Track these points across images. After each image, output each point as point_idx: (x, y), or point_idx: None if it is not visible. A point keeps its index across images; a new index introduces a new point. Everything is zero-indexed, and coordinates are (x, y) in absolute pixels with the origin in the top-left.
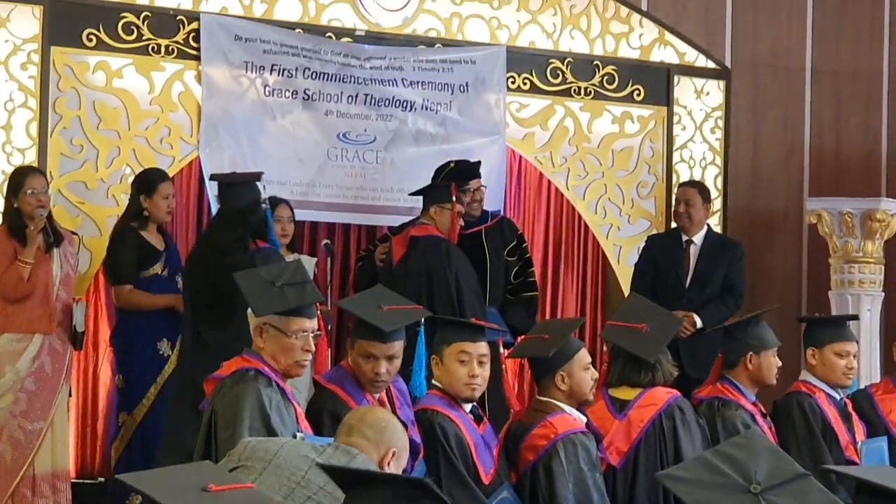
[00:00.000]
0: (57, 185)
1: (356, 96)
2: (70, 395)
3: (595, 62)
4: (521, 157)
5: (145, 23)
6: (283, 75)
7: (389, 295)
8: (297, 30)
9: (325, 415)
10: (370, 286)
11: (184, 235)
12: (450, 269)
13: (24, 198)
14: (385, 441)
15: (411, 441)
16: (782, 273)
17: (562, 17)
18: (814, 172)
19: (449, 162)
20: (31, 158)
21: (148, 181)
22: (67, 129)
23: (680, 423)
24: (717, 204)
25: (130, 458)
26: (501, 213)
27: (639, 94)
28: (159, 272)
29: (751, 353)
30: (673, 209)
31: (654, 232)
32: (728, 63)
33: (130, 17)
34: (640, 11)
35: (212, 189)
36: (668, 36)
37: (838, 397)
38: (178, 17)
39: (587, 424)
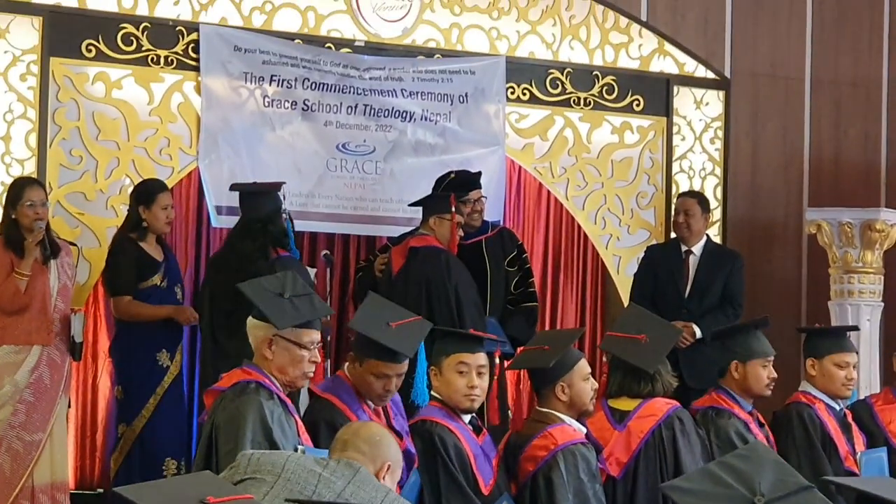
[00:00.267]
0: (56, 196)
1: (355, 107)
2: (69, 407)
3: (594, 72)
4: (520, 167)
5: (145, 34)
6: (282, 86)
7: (389, 307)
8: (297, 40)
9: (321, 424)
10: None
11: (183, 246)
12: (449, 280)
13: (22, 210)
14: (381, 455)
15: (405, 451)
16: (782, 283)
17: (561, 28)
18: (813, 182)
19: (449, 172)
20: (30, 169)
21: (147, 192)
22: (67, 139)
23: (679, 433)
24: (716, 214)
25: (129, 469)
26: (501, 223)
27: (638, 105)
28: (158, 283)
29: (736, 361)
30: (672, 219)
31: (654, 242)
32: (727, 73)
33: (130, 28)
34: (639, 22)
35: (211, 200)
36: (668, 46)
37: (838, 408)
38: (178, 28)
39: (587, 435)
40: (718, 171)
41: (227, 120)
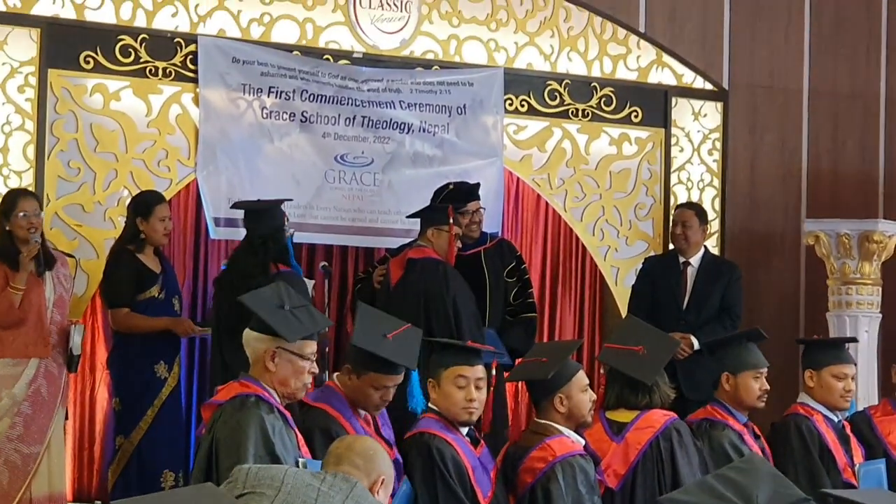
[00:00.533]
0: (54, 208)
1: (354, 118)
2: (67, 419)
3: (593, 84)
4: (518, 178)
5: (143, 45)
6: (280, 98)
7: (382, 318)
8: (295, 52)
9: (316, 431)
10: None
11: (181, 258)
12: (447, 292)
13: (15, 221)
14: (375, 469)
15: (394, 461)
16: (780, 294)
17: (559, 39)
18: (811, 194)
19: (448, 184)
20: (28, 181)
21: (144, 204)
22: (65, 151)
23: (677, 445)
24: (714, 225)
25: (127, 481)
26: (500, 234)
27: (636, 116)
28: (156, 295)
29: (727, 373)
30: (670, 231)
31: (652, 253)
32: (725, 85)
33: (128, 40)
34: (637, 33)
35: (209, 212)
36: (666, 58)
37: (836, 419)
38: (176, 40)
39: (585, 447)
40: (716, 182)
41: (225, 131)
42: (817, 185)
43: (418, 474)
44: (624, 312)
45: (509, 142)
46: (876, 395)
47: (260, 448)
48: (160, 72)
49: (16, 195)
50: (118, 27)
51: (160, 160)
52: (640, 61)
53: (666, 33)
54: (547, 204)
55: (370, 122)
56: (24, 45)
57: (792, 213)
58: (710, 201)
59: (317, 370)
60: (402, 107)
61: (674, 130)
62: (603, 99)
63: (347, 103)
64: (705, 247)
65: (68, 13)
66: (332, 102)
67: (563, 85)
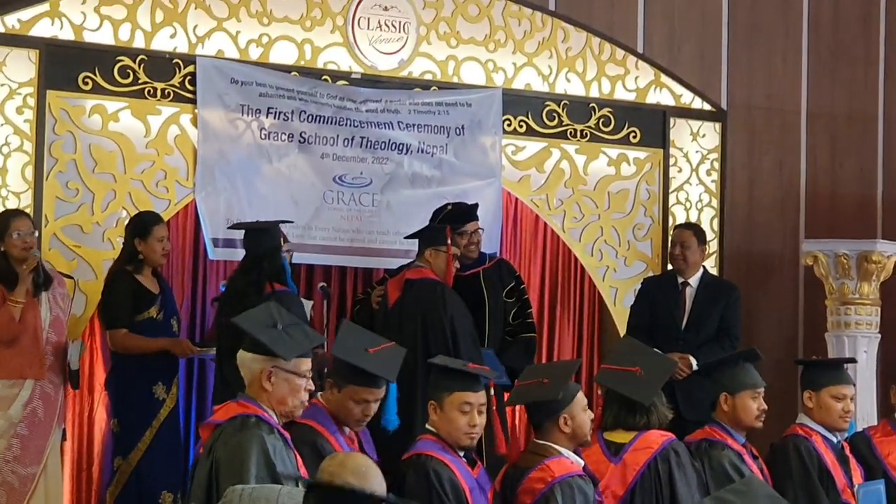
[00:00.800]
0: (52, 229)
1: (352, 139)
2: (65, 439)
3: (591, 104)
4: (517, 199)
5: (141, 66)
6: (279, 118)
7: (366, 334)
8: (293, 73)
9: (304, 447)
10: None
11: (179, 279)
12: (445, 313)
13: (10, 241)
14: (368, 486)
15: None
16: (778, 315)
17: (557, 60)
18: (809, 214)
19: (446, 204)
20: (26, 202)
21: (142, 224)
22: (63, 172)
23: (675, 466)
24: (713, 246)
25: (126, 502)
26: (498, 255)
27: (635, 137)
28: (154, 315)
29: (725, 394)
30: (669, 251)
31: (651, 274)
32: (724, 105)
33: (126, 61)
34: (635, 54)
35: (207, 232)
36: (664, 78)
37: (835, 440)
38: (174, 61)
39: (584, 468)
40: (715, 202)
41: (223, 152)
42: (816, 205)
43: (416, 497)
44: (622, 333)
45: (508, 162)
46: (875, 415)
47: (262, 469)
48: (159, 93)
49: (8, 216)
50: (117, 48)
51: (159, 181)
52: (638, 82)
53: (664, 54)
54: (545, 224)
55: (369, 143)
56: (23, 66)
57: (790, 234)
58: (708, 222)
59: (313, 387)
60: (400, 127)
61: (672, 151)
62: (601, 119)
63: (346, 124)
64: (704, 267)
65: (67, 34)
66: (331, 123)
67: (561, 105)
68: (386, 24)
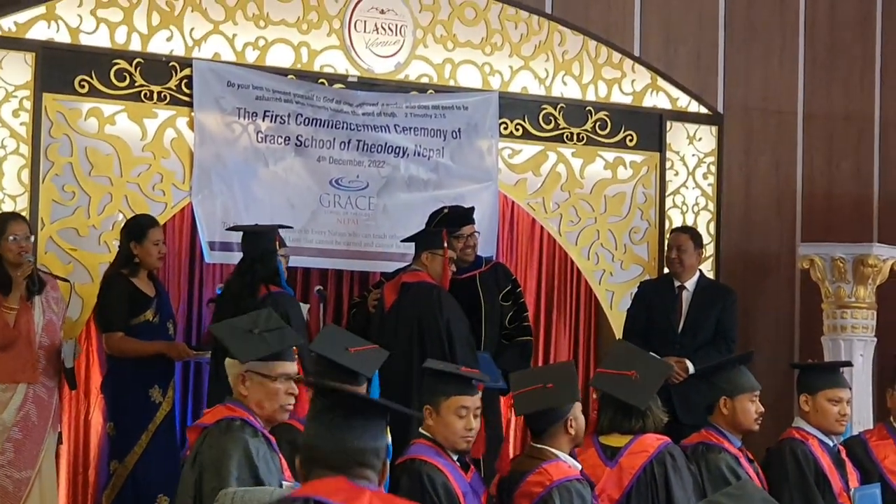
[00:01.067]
0: (48, 232)
1: (348, 142)
2: (61, 443)
3: (587, 108)
4: (513, 202)
5: (138, 69)
6: (275, 121)
7: (347, 336)
8: (290, 76)
9: (283, 444)
10: (364, 333)
11: (176, 282)
12: (441, 316)
13: (5, 244)
14: None
15: None
16: (775, 318)
17: (554, 63)
18: (806, 217)
19: (442, 208)
20: (22, 205)
21: (138, 227)
22: (59, 175)
23: (671, 469)
24: (709, 249)
25: None
26: (494, 258)
27: (631, 140)
28: (150, 319)
29: (724, 397)
30: (665, 255)
31: (647, 277)
32: (720, 108)
33: (123, 64)
34: (632, 57)
35: (204, 235)
36: (661, 81)
37: (832, 444)
38: (171, 64)
39: (581, 471)
40: (711, 206)
41: (220, 155)
42: (812, 208)
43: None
44: (619, 336)
45: (504, 166)
46: (871, 419)
47: (244, 471)
48: (155, 96)
49: (5, 219)
50: (113, 51)
51: (155, 184)
52: (634, 85)
53: (660, 57)
54: (542, 228)
55: (365, 146)
56: (19, 69)
57: (787, 237)
58: (704, 225)
59: (295, 391)
60: (396, 131)
61: (668, 154)
62: (598, 123)
63: (342, 127)
64: (700, 270)
65: (63, 37)
66: (327, 126)
67: (557, 109)
68: (382, 28)
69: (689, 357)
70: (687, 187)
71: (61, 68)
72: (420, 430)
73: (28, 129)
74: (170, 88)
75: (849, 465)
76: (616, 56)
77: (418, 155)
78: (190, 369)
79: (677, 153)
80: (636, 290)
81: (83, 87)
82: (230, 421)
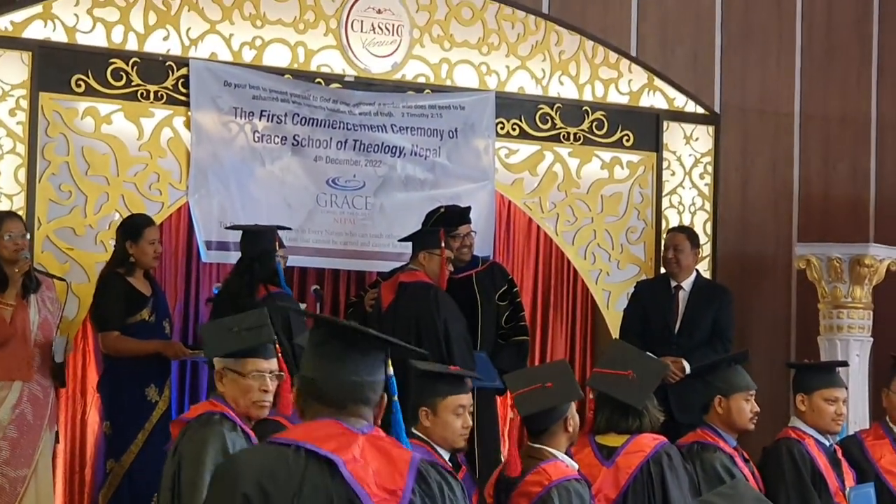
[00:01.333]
0: (45, 231)
1: (345, 142)
2: (58, 442)
3: (584, 108)
4: (510, 202)
5: (134, 69)
6: (272, 121)
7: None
8: (287, 76)
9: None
10: None
11: (172, 281)
12: (438, 316)
13: (1, 242)
14: None
15: None
16: (771, 318)
17: (551, 63)
18: (802, 217)
19: (439, 207)
20: (19, 204)
21: (133, 227)
22: (56, 175)
23: (668, 469)
24: (706, 249)
25: None
26: (491, 258)
27: (628, 140)
28: (146, 318)
29: (719, 396)
30: (662, 255)
31: (644, 277)
32: (717, 108)
33: (119, 63)
34: (629, 57)
35: (200, 235)
36: (658, 81)
37: (828, 443)
38: (168, 63)
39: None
40: (708, 206)
41: (216, 155)
42: (809, 208)
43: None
44: (615, 336)
45: (501, 165)
46: (867, 419)
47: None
48: (152, 95)
49: (1, 217)
50: (110, 50)
51: (152, 183)
52: (631, 85)
53: (657, 57)
54: (538, 227)
55: (362, 146)
56: (16, 68)
57: (783, 237)
58: (701, 225)
59: (269, 388)
60: (393, 130)
61: (665, 154)
62: (594, 123)
63: (339, 127)
64: (697, 270)
65: (60, 36)
66: (324, 126)
67: (554, 109)
68: (379, 27)
69: (686, 357)
70: (684, 187)
71: (58, 67)
72: (413, 430)
73: (24, 128)
74: (166, 88)
75: (844, 465)
76: (613, 56)
77: (415, 154)
78: (186, 368)
79: (674, 153)
80: (632, 290)
81: (80, 86)
82: (210, 415)
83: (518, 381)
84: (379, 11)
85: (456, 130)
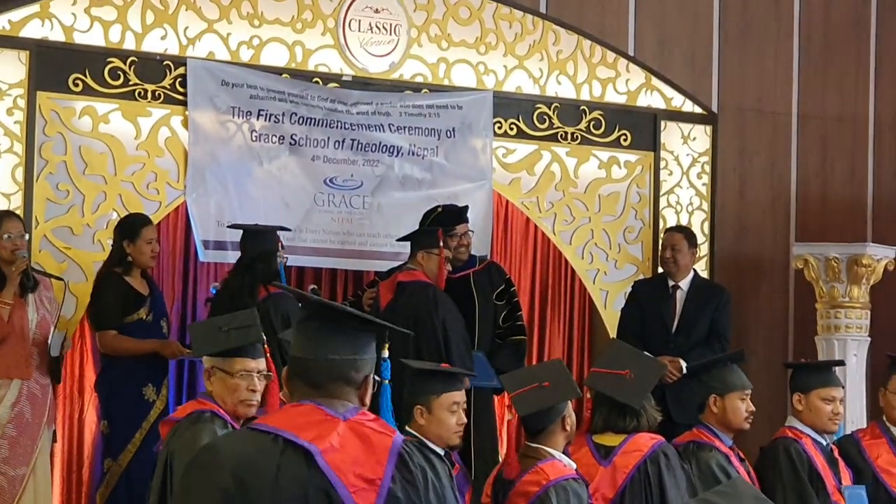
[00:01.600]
0: (43, 231)
1: (343, 141)
2: (55, 441)
3: (582, 107)
4: (507, 202)
5: (132, 68)
6: (269, 120)
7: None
8: (284, 75)
9: None
10: None
11: (169, 280)
12: (437, 316)
13: None
14: None
15: None
16: (769, 318)
17: (548, 63)
18: (800, 217)
19: (436, 207)
20: (16, 204)
21: (131, 226)
22: (53, 174)
23: (665, 468)
24: (703, 249)
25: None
26: (488, 257)
27: (625, 140)
28: (144, 317)
29: (714, 395)
30: (659, 254)
31: (641, 277)
32: (714, 108)
33: (117, 63)
34: (626, 57)
35: (198, 234)
36: (655, 81)
37: (825, 443)
38: (165, 63)
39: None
40: (706, 205)
41: (214, 154)
42: (806, 208)
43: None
44: (613, 336)
45: (498, 165)
46: (864, 418)
47: None
48: (149, 94)
49: None
50: (107, 50)
51: (149, 183)
52: (629, 85)
53: (655, 57)
54: (536, 227)
55: (359, 145)
56: (13, 67)
57: (781, 237)
58: (699, 224)
59: (257, 387)
60: (391, 130)
61: (663, 154)
62: (592, 122)
63: (337, 126)
64: (694, 270)
65: (57, 36)
66: (322, 125)
67: (552, 108)
68: (377, 27)
69: (683, 356)
70: (681, 187)
71: (55, 67)
72: (407, 428)
73: (22, 127)
74: (164, 87)
75: (841, 464)
76: (610, 56)
77: (412, 154)
78: (184, 368)
79: (672, 153)
80: (630, 289)
81: (77, 85)
82: (200, 413)
83: (515, 382)
84: (376, 11)
85: (453, 130)
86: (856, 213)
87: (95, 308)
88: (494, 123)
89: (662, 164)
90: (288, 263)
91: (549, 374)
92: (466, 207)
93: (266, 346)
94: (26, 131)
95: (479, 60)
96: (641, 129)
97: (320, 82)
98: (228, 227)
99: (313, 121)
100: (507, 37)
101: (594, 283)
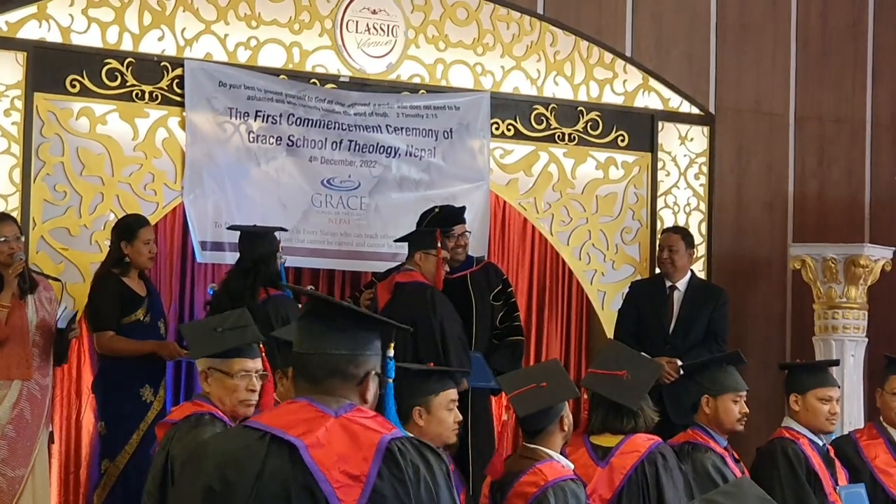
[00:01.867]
0: (40, 232)
1: (340, 142)
2: (52, 442)
3: (579, 108)
4: (505, 202)
5: (129, 69)
6: (267, 121)
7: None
8: (282, 76)
9: None
10: None
11: (167, 281)
12: (434, 316)
13: None
14: None
15: None
16: (766, 319)
17: (546, 64)
18: (797, 218)
19: (433, 207)
20: (14, 205)
21: (128, 227)
22: (51, 175)
23: (662, 469)
24: (701, 250)
25: None
26: (486, 258)
27: (623, 140)
28: (141, 318)
29: (707, 396)
30: (657, 255)
31: (639, 278)
32: (712, 109)
33: (114, 64)
34: (624, 58)
35: (195, 235)
36: (653, 82)
37: (821, 443)
38: (162, 64)
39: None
40: (703, 206)
41: (211, 155)
42: (803, 209)
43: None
44: (610, 336)
45: (496, 166)
46: (862, 419)
47: None
48: (146, 95)
49: None
50: (104, 51)
51: (146, 184)
52: (626, 86)
53: (652, 58)
54: (533, 228)
55: (357, 146)
56: (10, 68)
57: (778, 238)
58: (696, 225)
59: (256, 387)
60: (388, 131)
61: (660, 155)
62: (589, 123)
63: (334, 127)
64: (692, 271)
65: (54, 37)
66: (319, 126)
67: (549, 109)
68: (374, 28)
69: (680, 357)
70: (679, 188)
71: (52, 68)
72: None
73: (19, 128)
74: (161, 88)
75: (837, 465)
76: (608, 56)
77: (410, 155)
78: (181, 369)
79: (669, 154)
80: (627, 290)
81: (74, 86)
82: (199, 416)
83: (513, 382)
84: (374, 12)
85: (451, 131)
86: (853, 213)
87: (93, 309)
88: (492, 124)
89: (660, 164)
90: (286, 264)
91: (546, 375)
92: (464, 208)
93: (262, 345)
94: (23, 132)
95: (477, 61)
96: (639, 129)
97: (318, 83)
98: (227, 228)
99: (311, 122)
100: (504, 38)
101: (591, 283)
